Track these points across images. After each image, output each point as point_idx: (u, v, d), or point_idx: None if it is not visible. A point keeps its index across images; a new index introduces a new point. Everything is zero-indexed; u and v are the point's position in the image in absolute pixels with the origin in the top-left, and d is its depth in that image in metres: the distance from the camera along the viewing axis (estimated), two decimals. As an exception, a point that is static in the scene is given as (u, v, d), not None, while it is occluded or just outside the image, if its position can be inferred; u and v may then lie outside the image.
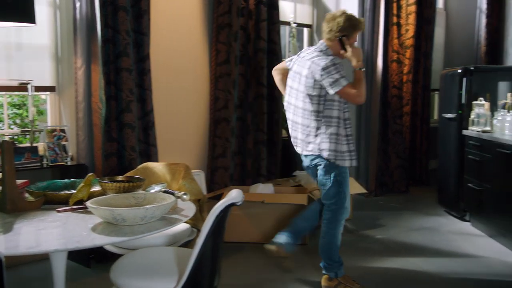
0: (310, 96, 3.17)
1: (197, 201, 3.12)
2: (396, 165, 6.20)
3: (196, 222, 3.10)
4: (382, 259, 3.88)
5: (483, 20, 5.77)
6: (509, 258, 3.81)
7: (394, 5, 6.02)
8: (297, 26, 5.88)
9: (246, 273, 3.60)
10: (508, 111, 4.36)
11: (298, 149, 3.41)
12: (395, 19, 6.06)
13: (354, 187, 4.97)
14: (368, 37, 5.96)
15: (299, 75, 3.27)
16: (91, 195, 2.43)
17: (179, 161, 3.44)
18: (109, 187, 2.42)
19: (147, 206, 2.07)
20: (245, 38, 5.02)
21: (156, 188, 2.54)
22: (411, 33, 6.23)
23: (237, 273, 3.60)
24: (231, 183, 4.95)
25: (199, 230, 3.12)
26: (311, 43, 6.40)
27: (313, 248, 4.13)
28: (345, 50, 3.20)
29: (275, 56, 5.25)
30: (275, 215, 4.22)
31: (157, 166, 3.29)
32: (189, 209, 2.38)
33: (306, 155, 3.33)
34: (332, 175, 3.21)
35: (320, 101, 3.16)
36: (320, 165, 3.23)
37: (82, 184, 2.42)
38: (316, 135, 3.19)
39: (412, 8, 6.19)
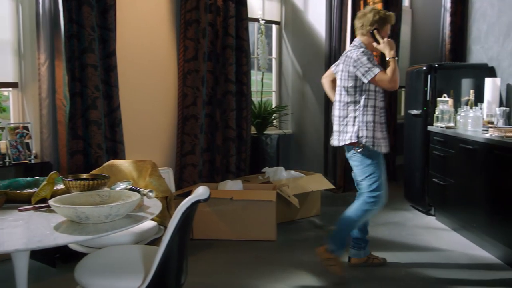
0: (346, 88, 3.36)
1: (164, 198, 3.09)
2: (364, 161, 6.26)
3: (163, 219, 3.08)
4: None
5: (448, 19, 5.88)
6: (472, 251, 3.90)
7: (361, 2, 6.08)
8: (265, 23, 5.89)
9: (214, 270, 3.59)
10: (471, 108, 4.47)
11: (334, 142, 3.51)
12: (362, 17, 6.11)
13: (323, 183, 5.02)
14: (335, 34, 6.01)
15: (340, 72, 3.44)
16: (55, 194, 2.39)
17: (147, 159, 3.40)
18: (72, 185, 2.37)
19: (112, 204, 2.04)
20: (213, 35, 5.00)
21: (121, 185, 2.51)
22: (378, 30, 6.30)
23: (205, 270, 3.59)
24: (200, 180, 4.93)
25: (166, 228, 3.10)
26: (280, 40, 6.42)
27: (281, 244, 4.15)
28: (378, 43, 3.36)
29: (244, 52, 5.25)
30: (244, 212, 4.22)
31: (124, 164, 3.25)
32: (155, 206, 2.36)
33: (344, 146, 3.44)
34: (368, 162, 3.35)
35: (356, 91, 3.33)
36: (356, 154, 3.37)
37: (45, 183, 2.37)
38: (353, 124, 3.35)
39: (379, 6, 6.25)
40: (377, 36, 3.33)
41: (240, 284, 3.35)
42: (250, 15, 5.44)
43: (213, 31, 4.99)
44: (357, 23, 3.44)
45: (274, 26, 6.38)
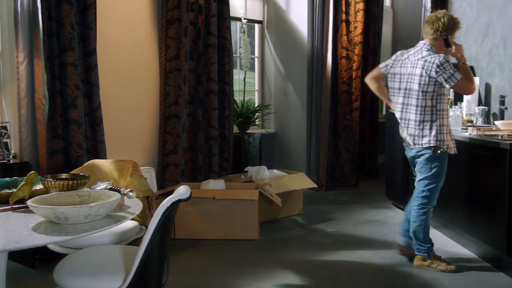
0: (425, 93, 3.42)
1: (145, 198, 3.07)
2: (346, 159, 6.32)
3: (144, 219, 3.06)
4: (332, 252, 3.94)
5: (428, 18, 5.96)
6: (452, 248, 3.95)
7: (343, 2, 6.12)
8: (247, 22, 5.89)
9: (196, 270, 3.58)
10: (450, 107, 4.51)
11: (410, 141, 3.60)
12: (344, 16, 6.16)
13: (305, 182, 5.03)
14: (318, 33, 6.03)
15: (407, 75, 3.51)
16: (33, 194, 2.36)
17: (129, 158, 3.38)
18: (51, 185, 2.34)
19: (91, 204, 2.01)
20: (195, 33, 4.98)
21: (101, 185, 2.49)
22: (359, 30, 6.35)
23: (188, 270, 3.57)
24: (183, 179, 4.90)
25: (147, 228, 3.08)
26: (262, 39, 6.43)
27: (263, 243, 4.16)
28: (450, 48, 3.46)
29: (226, 51, 5.24)
30: (226, 211, 4.21)
31: (104, 163, 3.22)
32: (136, 206, 2.34)
33: (416, 148, 3.55)
34: (436, 164, 3.48)
35: (433, 96, 3.43)
36: (425, 155, 3.50)
37: (23, 183, 2.33)
38: (431, 128, 3.46)
39: (360, 5, 6.31)
40: (451, 41, 3.44)
41: (222, 283, 3.35)
42: (232, 14, 5.43)
43: (195, 30, 4.97)
44: (429, 27, 3.49)
45: (256, 25, 6.39)
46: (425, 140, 3.48)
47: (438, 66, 3.35)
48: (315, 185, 5.20)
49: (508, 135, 3.44)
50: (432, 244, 3.62)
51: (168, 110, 4.80)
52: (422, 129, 3.48)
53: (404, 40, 7.50)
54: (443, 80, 3.36)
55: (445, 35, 3.43)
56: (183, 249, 3.98)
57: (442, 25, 3.43)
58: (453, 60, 3.68)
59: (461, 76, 3.36)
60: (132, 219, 2.83)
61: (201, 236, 4.22)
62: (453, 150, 3.49)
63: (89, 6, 3.99)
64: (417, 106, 3.48)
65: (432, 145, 3.45)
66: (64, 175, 2.59)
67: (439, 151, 3.44)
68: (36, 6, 3.69)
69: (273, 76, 6.47)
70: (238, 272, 3.53)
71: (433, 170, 3.49)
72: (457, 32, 3.50)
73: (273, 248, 4.06)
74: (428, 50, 3.47)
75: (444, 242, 4.10)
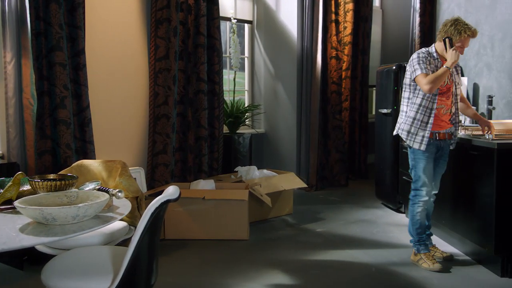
0: (405, 85, 3.63)
1: (134, 198, 3.06)
2: (336, 159, 6.34)
3: (134, 220, 3.05)
4: (322, 252, 3.95)
5: (417, 19, 5.98)
6: (441, 247, 3.96)
7: (333, 2, 6.14)
8: (237, 22, 5.88)
9: (186, 270, 3.57)
10: (439, 106, 4.55)
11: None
12: (333, 17, 6.17)
13: (295, 182, 5.04)
14: (307, 34, 6.05)
15: None
16: (21, 195, 2.34)
17: (118, 159, 3.36)
18: (39, 186, 2.32)
19: (79, 205, 2.00)
20: (184, 33, 4.97)
21: (90, 186, 2.48)
22: (349, 30, 6.37)
23: (178, 270, 3.56)
24: (172, 179, 4.89)
25: (136, 228, 3.07)
26: (252, 39, 6.43)
27: (253, 243, 4.15)
28: (446, 51, 3.50)
29: (216, 51, 5.24)
30: (216, 211, 4.21)
31: (93, 164, 3.21)
32: (125, 206, 2.33)
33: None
34: (411, 157, 3.65)
35: (410, 88, 3.59)
36: (407, 148, 3.71)
37: (10, 183, 2.31)
38: (401, 118, 3.66)
39: (350, 6, 6.34)
40: (447, 44, 3.49)
41: (212, 283, 3.34)
42: (222, 14, 5.43)
43: (185, 30, 4.96)
44: (440, 30, 3.63)
45: (246, 25, 6.39)
46: (396, 127, 3.70)
47: (411, 60, 3.55)
48: (305, 185, 5.20)
49: (495, 135, 3.47)
50: (422, 240, 3.67)
51: (157, 110, 4.79)
52: (400, 117, 3.70)
53: (393, 40, 7.54)
54: (409, 73, 3.57)
55: (444, 38, 3.49)
56: (172, 250, 3.97)
57: (444, 28, 3.54)
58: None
59: (420, 73, 3.44)
60: (121, 220, 2.82)
61: (191, 237, 4.21)
62: (418, 146, 3.53)
63: (78, 6, 3.97)
64: (403, 98, 3.69)
65: (395, 133, 3.69)
66: (52, 176, 2.57)
67: (402, 143, 3.64)
68: (24, 6, 3.67)
69: (263, 76, 6.47)
70: (228, 272, 3.52)
71: (410, 163, 3.66)
72: (463, 39, 3.47)
73: (263, 248, 4.06)
74: (427, 48, 3.62)
75: (434, 241, 4.12)
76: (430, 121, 3.53)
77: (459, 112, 3.68)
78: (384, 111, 5.15)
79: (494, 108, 4.42)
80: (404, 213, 4.99)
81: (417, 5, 5.97)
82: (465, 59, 5.01)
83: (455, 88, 3.60)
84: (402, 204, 5.03)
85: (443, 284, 3.29)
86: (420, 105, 3.53)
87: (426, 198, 3.62)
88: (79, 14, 3.99)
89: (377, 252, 3.93)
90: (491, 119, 4.37)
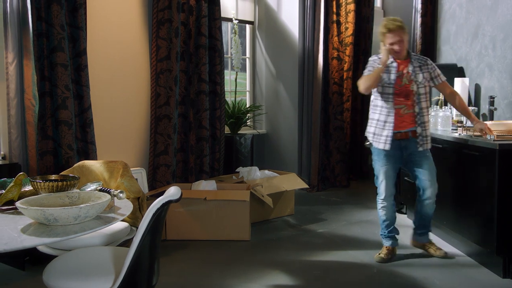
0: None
1: (136, 199, 3.07)
2: (337, 160, 6.33)
3: (135, 220, 3.05)
4: (324, 252, 3.95)
5: (418, 20, 5.98)
6: (443, 248, 3.96)
7: (334, 3, 6.14)
8: (238, 22, 5.89)
9: (188, 271, 3.57)
10: (440, 107, 4.55)
11: None
12: (335, 17, 6.17)
13: (297, 183, 5.04)
14: (309, 34, 6.05)
15: None
16: (22, 195, 2.34)
17: (120, 159, 3.36)
18: (41, 187, 2.33)
19: (81, 205, 2.00)
20: (186, 34, 4.97)
21: (91, 186, 2.48)
22: (350, 31, 6.37)
23: (179, 271, 3.56)
24: (174, 180, 4.89)
25: (137, 229, 3.07)
26: (253, 39, 6.43)
27: (255, 244, 4.15)
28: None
29: (217, 52, 5.24)
30: (217, 212, 4.21)
31: (95, 164, 3.21)
32: (126, 207, 2.34)
33: None
34: (373, 157, 3.76)
35: (373, 91, 3.67)
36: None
37: (12, 184, 2.32)
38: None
39: (351, 6, 6.33)
40: (382, 43, 3.56)
41: (214, 284, 3.34)
42: (223, 14, 5.43)
43: (186, 30, 4.97)
44: None
45: (247, 26, 6.39)
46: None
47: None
48: (306, 186, 5.20)
49: (497, 135, 3.47)
50: (384, 235, 3.83)
51: (159, 110, 4.79)
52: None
53: (395, 41, 7.52)
54: None
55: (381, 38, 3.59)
56: (174, 250, 3.97)
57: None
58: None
59: (364, 74, 3.61)
60: (122, 220, 2.82)
61: (192, 237, 4.21)
62: (383, 146, 3.61)
63: (79, 7, 3.98)
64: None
65: (365, 135, 3.82)
66: (53, 176, 2.57)
67: (366, 142, 3.74)
68: (26, 7, 3.67)
69: (265, 76, 6.47)
70: (230, 273, 3.52)
71: (373, 164, 3.79)
72: (385, 37, 3.52)
73: (265, 248, 4.06)
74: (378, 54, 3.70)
75: (435, 242, 4.12)
76: (389, 120, 3.59)
77: (428, 112, 3.65)
78: (386, 111, 5.13)
79: (495, 109, 4.41)
80: (405, 214, 4.98)
81: (419, 6, 5.97)
82: (467, 59, 5.00)
83: (418, 88, 3.57)
84: (403, 205, 5.02)
85: (444, 285, 3.29)
86: (379, 106, 3.62)
87: (382, 197, 3.74)
88: (81, 15, 3.99)
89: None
90: (492, 119, 4.37)
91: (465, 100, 4.70)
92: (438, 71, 3.67)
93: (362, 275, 3.51)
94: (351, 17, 6.35)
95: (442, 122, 4.33)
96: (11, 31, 3.70)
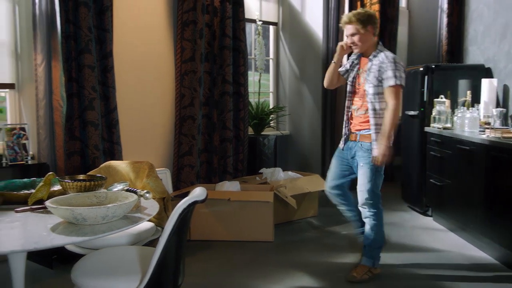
0: None
1: (161, 199, 3.09)
2: (361, 161, 6.27)
3: (160, 220, 3.07)
4: (348, 254, 3.92)
5: (444, 20, 5.89)
6: (469, 252, 3.91)
7: (358, 3, 6.09)
8: (262, 23, 5.89)
9: (211, 271, 3.59)
10: (468, 108, 4.47)
11: None
12: (359, 18, 6.12)
13: (320, 184, 5.01)
14: (333, 35, 6.01)
15: None
16: (51, 195, 2.38)
17: (144, 160, 3.40)
18: (69, 186, 2.37)
19: (109, 205, 2.03)
20: (210, 35, 4.99)
21: (118, 186, 2.51)
22: (375, 31, 6.30)
23: (203, 271, 3.58)
24: (198, 181, 4.92)
25: (163, 229, 3.10)
26: (277, 40, 6.42)
27: (278, 245, 4.14)
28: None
29: (241, 53, 5.25)
30: (241, 213, 4.21)
31: (121, 165, 3.25)
32: (153, 207, 2.36)
33: None
34: None
35: None
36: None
37: (41, 184, 2.36)
38: None
39: (376, 7, 6.28)
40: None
41: (237, 285, 3.35)
42: (247, 16, 5.44)
43: (210, 32, 4.99)
44: None
45: (271, 27, 6.38)
46: None
47: None
48: (330, 187, 5.16)
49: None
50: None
51: (183, 111, 4.82)
52: None
53: (420, 42, 7.44)
54: None
55: None
56: (198, 250, 3.99)
57: None
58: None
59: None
60: (148, 220, 2.84)
61: (216, 238, 4.23)
62: (340, 144, 3.60)
63: (106, 9, 4.03)
64: None
65: None
66: (81, 176, 2.61)
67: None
68: (54, 9, 3.74)
69: (288, 77, 6.46)
70: (253, 274, 3.52)
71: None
72: (344, 29, 3.44)
73: (288, 250, 4.05)
74: None
75: (461, 246, 4.07)
76: (346, 119, 3.53)
77: (381, 115, 3.30)
78: (411, 113, 5.09)
79: (524, 110, 4.33)
80: (431, 216, 4.92)
81: (445, 6, 5.89)
82: (495, 60, 4.91)
83: (369, 88, 3.30)
84: (429, 207, 4.95)
85: (472, 289, 3.24)
86: (346, 105, 3.57)
87: (326, 189, 3.74)
88: (107, 17, 4.05)
89: (404, 255, 3.88)
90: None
91: (493, 102, 4.62)
92: (390, 74, 3.22)
93: (387, 278, 3.48)
94: (375, 17, 6.29)
95: (469, 123, 4.26)
96: (40, 33, 3.78)
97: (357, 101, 3.43)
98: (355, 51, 3.41)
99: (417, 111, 4.99)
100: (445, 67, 5.07)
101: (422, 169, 4.96)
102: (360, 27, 3.31)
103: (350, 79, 3.49)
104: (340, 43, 3.46)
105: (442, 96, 4.66)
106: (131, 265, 2.22)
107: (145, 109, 4.69)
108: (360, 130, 3.40)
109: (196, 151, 4.87)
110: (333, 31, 6.01)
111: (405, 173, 5.36)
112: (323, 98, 6.18)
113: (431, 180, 4.69)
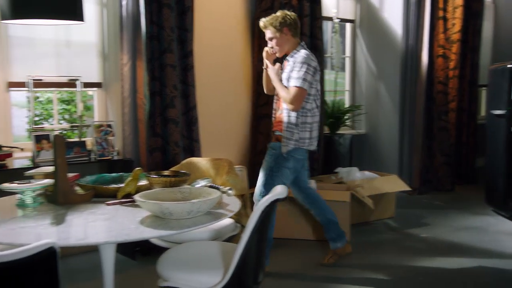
0: None
1: (240, 196, 3.13)
2: (441, 162, 6.06)
3: (239, 217, 3.12)
4: (428, 258, 3.79)
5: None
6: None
7: (440, -1, 5.88)
8: (340, 21, 5.81)
9: (286, 270, 3.59)
10: None
11: None
12: (441, 13, 5.91)
13: (398, 185, 4.90)
14: (412, 31, 5.84)
15: None
16: (139, 189, 2.48)
17: (221, 157, 3.46)
18: (156, 181, 2.45)
19: (194, 201, 2.09)
20: (287, 34, 4.99)
21: (201, 183, 2.57)
22: (458, 27, 6.06)
23: (278, 269, 3.59)
24: (273, 179, 4.93)
25: (242, 226, 3.14)
26: (354, 38, 6.32)
27: (355, 246, 4.07)
28: None
29: (318, 51, 5.21)
30: (317, 212, 4.18)
31: (201, 161, 3.33)
32: (234, 204, 2.40)
33: None
34: None
35: None
36: None
37: (129, 178, 2.46)
38: None
39: (459, 1, 6.02)
40: None
41: (313, 285, 3.33)
42: (324, 13, 5.39)
43: (288, 30, 4.98)
44: None
45: (348, 25, 6.29)
46: None
47: None
48: (408, 188, 5.03)
49: None
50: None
51: (260, 110, 4.86)
52: None
53: (507, 37, 7.06)
54: None
55: None
56: (274, 248, 3.99)
57: None
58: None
59: None
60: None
61: (292, 236, 4.23)
62: None
63: (187, 10, 4.13)
64: None
65: None
66: (166, 172, 2.70)
67: None
68: (139, 11, 3.88)
69: (365, 76, 6.34)
70: (328, 275, 3.49)
71: None
72: (267, 33, 3.40)
73: (365, 251, 3.98)
74: None
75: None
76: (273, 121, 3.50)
77: (298, 114, 3.31)
78: (497, 112, 4.83)
79: None
80: (515, 221, 4.66)
81: (536, -1, 5.55)
82: None
83: None
84: (514, 212, 4.70)
85: None
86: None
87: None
88: (188, 18, 4.15)
89: (489, 261, 3.70)
90: None
91: None
92: (295, 74, 3.24)
93: (470, 284, 3.33)
94: (458, 12, 6.03)
95: None
96: (126, 34, 3.94)
97: (277, 103, 3.46)
98: (276, 54, 3.41)
99: (504, 111, 4.73)
100: (535, 63, 4.77)
101: (509, 171, 4.70)
102: (274, 31, 3.33)
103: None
104: (265, 48, 3.44)
105: (533, 94, 4.40)
106: (214, 260, 2.27)
107: (223, 107, 4.78)
108: (276, 130, 3.43)
109: (272, 149, 4.88)
110: (413, 28, 5.83)
111: (490, 175, 5.10)
112: (401, 97, 6.02)
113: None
